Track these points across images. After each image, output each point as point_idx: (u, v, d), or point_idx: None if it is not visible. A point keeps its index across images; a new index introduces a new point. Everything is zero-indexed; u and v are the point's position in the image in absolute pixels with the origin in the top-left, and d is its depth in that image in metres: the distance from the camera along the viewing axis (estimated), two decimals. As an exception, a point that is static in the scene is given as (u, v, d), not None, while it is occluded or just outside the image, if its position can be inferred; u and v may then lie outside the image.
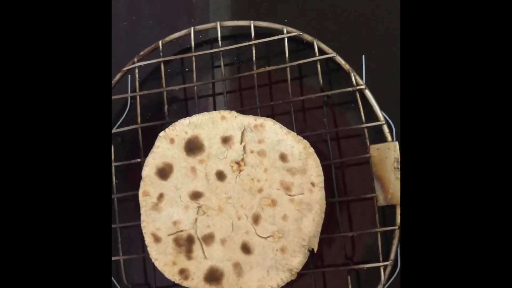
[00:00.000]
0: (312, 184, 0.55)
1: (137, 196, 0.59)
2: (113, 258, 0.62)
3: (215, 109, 0.65)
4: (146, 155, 0.59)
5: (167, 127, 0.59)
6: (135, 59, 0.65)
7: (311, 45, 0.62)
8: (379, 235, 0.57)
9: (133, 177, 0.61)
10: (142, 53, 0.65)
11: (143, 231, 0.58)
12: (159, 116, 0.64)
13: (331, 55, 0.60)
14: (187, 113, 0.66)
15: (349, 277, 0.58)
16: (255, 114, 0.59)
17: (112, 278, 0.63)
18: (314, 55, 0.61)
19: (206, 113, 0.59)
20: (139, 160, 0.62)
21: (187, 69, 0.67)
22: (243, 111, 0.60)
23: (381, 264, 0.56)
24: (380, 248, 0.57)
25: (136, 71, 0.64)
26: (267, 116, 0.58)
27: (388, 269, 0.56)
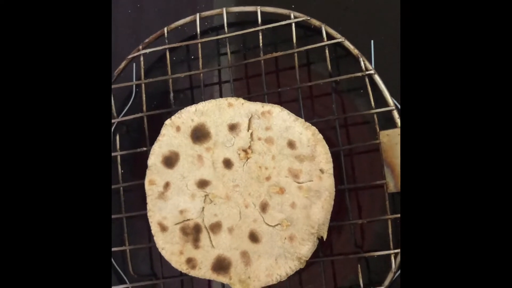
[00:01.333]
0: (321, 171, 0.54)
1: (143, 185, 0.58)
2: (119, 248, 0.61)
3: (221, 97, 0.64)
4: (152, 143, 0.58)
5: (173, 115, 0.58)
6: (140, 47, 0.64)
7: (318, 31, 0.61)
8: (389, 222, 0.56)
9: (139, 167, 0.60)
10: (147, 40, 0.64)
11: (150, 220, 0.57)
12: (164, 104, 0.64)
13: (339, 40, 0.59)
14: (193, 102, 0.66)
15: (359, 265, 0.57)
16: (262, 101, 0.58)
17: (118, 268, 0.63)
18: (322, 41, 0.60)
19: (212, 100, 0.58)
20: (145, 149, 0.61)
21: (192, 57, 0.67)
22: (250, 98, 0.59)
23: (391, 251, 0.55)
24: (390, 235, 0.56)
25: (141, 58, 0.64)
26: (275, 103, 0.57)
27: (399, 256, 0.55)
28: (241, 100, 0.57)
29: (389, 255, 0.56)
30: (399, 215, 0.56)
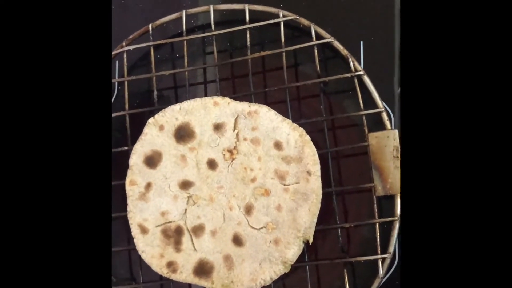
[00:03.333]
0: (308, 173, 0.53)
1: (123, 186, 0.56)
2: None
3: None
4: (133, 143, 0.57)
5: (155, 114, 0.56)
6: (124, 43, 0.62)
7: (307, 32, 0.60)
8: (377, 226, 0.55)
9: (119, 166, 0.58)
10: (131, 36, 0.62)
11: (130, 222, 0.56)
12: (147, 103, 0.62)
13: (329, 40, 0.58)
14: (177, 101, 0.64)
15: (345, 270, 0.56)
16: (248, 101, 0.57)
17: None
18: (310, 42, 0.59)
19: (198, 99, 0.56)
20: (126, 148, 0.59)
21: (177, 55, 0.65)
22: (235, 98, 0.57)
23: (379, 256, 0.54)
24: (378, 240, 0.54)
25: (125, 55, 0.62)
26: (261, 104, 0.56)
27: (387, 261, 0.54)
28: (227, 99, 0.56)
29: (377, 260, 0.54)
30: (387, 219, 0.55)
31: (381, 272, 0.54)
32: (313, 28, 0.59)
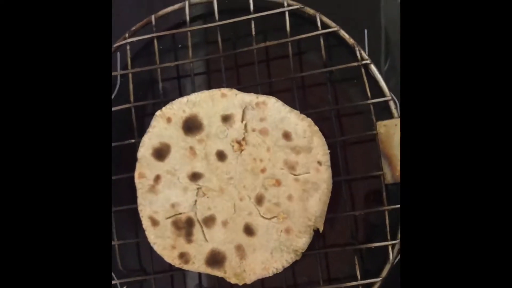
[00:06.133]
0: (319, 163, 0.54)
1: (131, 179, 0.56)
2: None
3: (210, 88, 0.62)
4: (139, 135, 0.57)
5: (161, 106, 0.56)
6: (126, 35, 0.61)
7: (311, 21, 0.59)
8: (386, 213, 0.56)
9: (126, 159, 0.58)
10: (133, 28, 0.62)
11: (140, 214, 0.56)
12: (150, 95, 0.62)
13: (335, 29, 0.58)
14: (180, 92, 0.64)
15: (355, 257, 0.57)
16: (254, 92, 0.56)
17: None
18: (314, 30, 0.59)
19: (205, 91, 0.56)
20: (133, 140, 0.59)
21: (180, 46, 0.64)
22: (241, 89, 0.57)
23: (389, 243, 0.55)
24: (388, 226, 0.55)
25: (127, 47, 0.61)
26: (267, 94, 0.56)
27: (397, 247, 0.55)
28: (234, 90, 0.56)
29: (387, 246, 0.55)
30: (396, 206, 0.55)
31: (391, 258, 0.55)
32: (319, 17, 0.59)
